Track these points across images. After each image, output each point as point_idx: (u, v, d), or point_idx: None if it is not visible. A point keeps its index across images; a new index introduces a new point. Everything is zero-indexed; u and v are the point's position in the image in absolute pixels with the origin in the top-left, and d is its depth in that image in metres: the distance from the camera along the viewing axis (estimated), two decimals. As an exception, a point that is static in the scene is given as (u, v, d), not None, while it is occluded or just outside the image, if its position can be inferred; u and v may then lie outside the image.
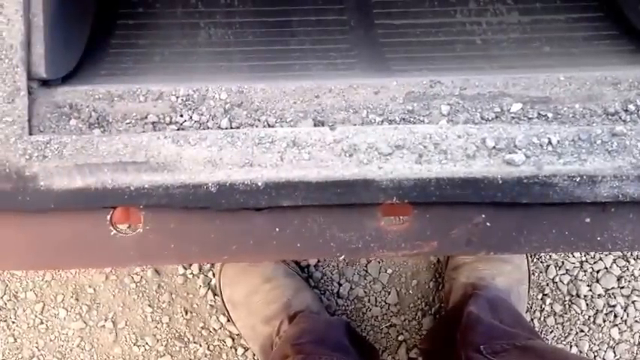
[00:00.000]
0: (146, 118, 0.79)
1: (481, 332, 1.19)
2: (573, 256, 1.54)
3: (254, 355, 1.51)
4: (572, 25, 1.08)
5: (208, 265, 1.53)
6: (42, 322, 1.52)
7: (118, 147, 0.74)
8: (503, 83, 0.80)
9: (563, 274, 1.54)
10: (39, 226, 0.75)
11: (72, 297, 1.52)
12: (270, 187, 0.73)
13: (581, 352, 1.53)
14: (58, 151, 0.73)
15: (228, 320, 1.49)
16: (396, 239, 0.76)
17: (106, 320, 1.52)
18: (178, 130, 0.78)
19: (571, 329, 1.54)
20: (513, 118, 0.79)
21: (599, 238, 0.76)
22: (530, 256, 1.51)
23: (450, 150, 0.74)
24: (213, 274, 1.52)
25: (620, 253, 1.53)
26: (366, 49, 1.03)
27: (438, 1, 1.13)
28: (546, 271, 1.54)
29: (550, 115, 0.79)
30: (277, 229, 0.76)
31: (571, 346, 1.54)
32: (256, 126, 0.79)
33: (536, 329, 1.52)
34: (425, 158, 0.74)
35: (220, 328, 1.52)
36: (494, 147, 0.74)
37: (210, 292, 1.52)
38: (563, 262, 1.54)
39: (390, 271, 1.54)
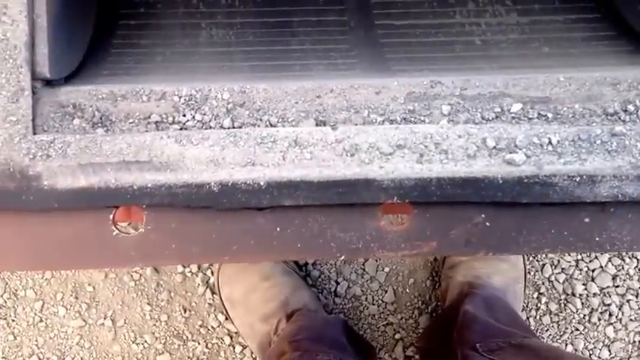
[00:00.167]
0: (149, 117, 0.79)
1: (477, 330, 1.19)
2: (569, 255, 1.55)
3: (252, 352, 1.51)
4: (571, 25, 1.08)
5: (207, 264, 1.53)
6: (41, 320, 1.52)
7: (122, 146, 0.74)
8: (503, 83, 0.80)
9: (559, 272, 1.55)
10: (41, 226, 0.75)
11: (71, 295, 1.52)
12: (272, 187, 0.73)
13: (576, 350, 1.54)
14: (61, 150, 0.73)
15: (227, 318, 1.49)
16: (396, 239, 0.76)
17: (105, 318, 1.52)
18: (181, 129, 0.78)
19: (566, 328, 1.55)
20: (514, 118, 0.79)
21: (597, 239, 0.76)
22: (527, 255, 1.52)
23: (451, 150, 0.74)
24: (212, 273, 1.52)
25: (615, 252, 1.54)
26: (366, 50, 1.03)
27: (437, 2, 1.13)
28: (542, 270, 1.55)
29: (550, 115, 0.79)
30: (278, 229, 0.76)
31: (566, 345, 1.54)
32: (258, 126, 0.79)
33: (532, 328, 1.53)
34: (426, 158, 0.74)
35: (218, 326, 1.53)
36: (494, 147, 0.74)
37: (208, 290, 1.52)
38: (559, 261, 1.55)
39: (387, 269, 1.55)
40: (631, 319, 1.54)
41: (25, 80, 0.74)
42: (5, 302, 1.51)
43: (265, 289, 1.41)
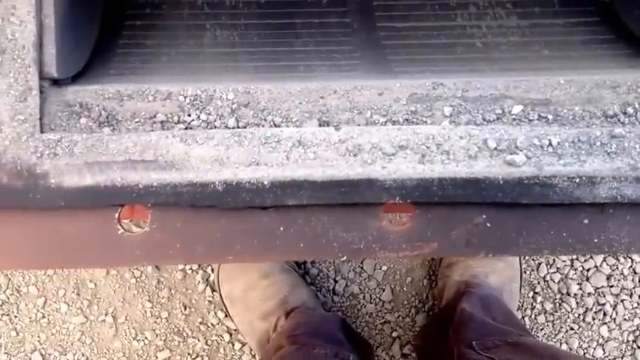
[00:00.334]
0: (155, 117, 0.80)
1: (473, 329, 1.19)
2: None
3: (251, 350, 1.51)
4: (570, 29, 1.08)
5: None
6: (44, 316, 1.52)
7: (128, 145, 0.74)
8: (504, 85, 0.81)
9: (554, 272, 1.55)
10: (47, 224, 0.76)
11: (73, 292, 1.52)
12: (276, 186, 0.73)
13: (571, 349, 1.54)
14: (68, 149, 0.74)
15: (226, 316, 1.49)
16: (397, 240, 0.77)
17: (106, 315, 1.53)
18: (186, 129, 0.79)
19: (561, 327, 1.55)
20: (514, 119, 0.80)
21: (596, 240, 0.77)
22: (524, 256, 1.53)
23: (453, 150, 0.75)
24: (212, 270, 1.52)
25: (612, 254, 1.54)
26: (368, 51, 1.03)
27: (438, 4, 1.13)
28: (537, 270, 1.55)
29: (550, 117, 0.80)
30: (282, 229, 0.76)
31: (561, 344, 1.55)
32: (263, 126, 0.79)
33: (528, 326, 1.53)
34: (428, 158, 0.75)
35: (218, 324, 1.53)
36: (495, 148, 0.75)
37: (208, 287, 1.53)
38: (554, 261, 1.55)
39: (384, 268, 1.55)
40: (625, 319, 1.55)
41: (33, 80, 0.75)
42: (8, 298, 1.52)
43: (264, 287, 1.41)
